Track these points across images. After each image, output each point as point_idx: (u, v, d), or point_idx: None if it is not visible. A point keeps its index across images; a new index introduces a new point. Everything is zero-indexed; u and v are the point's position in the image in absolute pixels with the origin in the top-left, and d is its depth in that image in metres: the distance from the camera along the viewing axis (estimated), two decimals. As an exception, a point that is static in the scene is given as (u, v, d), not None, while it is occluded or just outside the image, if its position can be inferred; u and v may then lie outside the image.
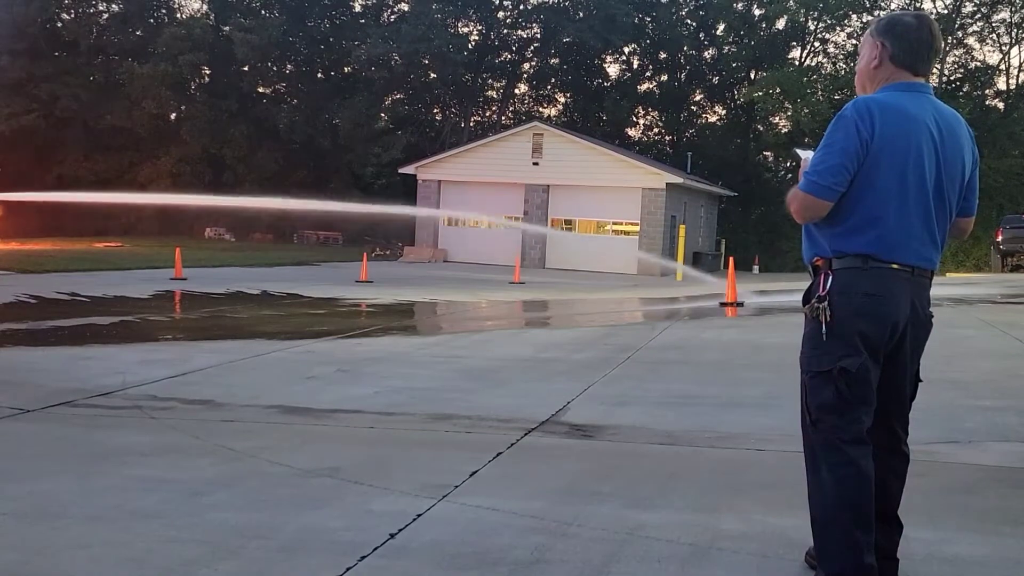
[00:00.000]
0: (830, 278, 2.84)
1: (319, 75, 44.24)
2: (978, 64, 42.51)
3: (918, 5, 40.40)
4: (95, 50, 41.71)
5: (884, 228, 2.79)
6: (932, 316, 2.96)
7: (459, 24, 44.35)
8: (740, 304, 13.86)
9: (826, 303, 2.81)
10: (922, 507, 3.68)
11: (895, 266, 2.81)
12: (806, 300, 2.91)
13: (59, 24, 41.62)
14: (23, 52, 37.84)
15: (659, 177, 28.90)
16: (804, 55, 45.65)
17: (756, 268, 33.77)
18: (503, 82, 48.51)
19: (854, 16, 41.14)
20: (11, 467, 4.31)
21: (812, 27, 45.07)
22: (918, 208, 2.82)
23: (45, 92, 38.02)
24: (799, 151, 3.12)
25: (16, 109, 37.21)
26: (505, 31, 46.11)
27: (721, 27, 46.99)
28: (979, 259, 33.05)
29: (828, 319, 2.80)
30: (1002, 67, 42.41)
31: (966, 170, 2.94)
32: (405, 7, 43.84)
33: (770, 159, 46.69)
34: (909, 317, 2.84)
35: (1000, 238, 28.22)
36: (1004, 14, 40.71)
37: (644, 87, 48.90)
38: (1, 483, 4.03)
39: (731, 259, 16.89)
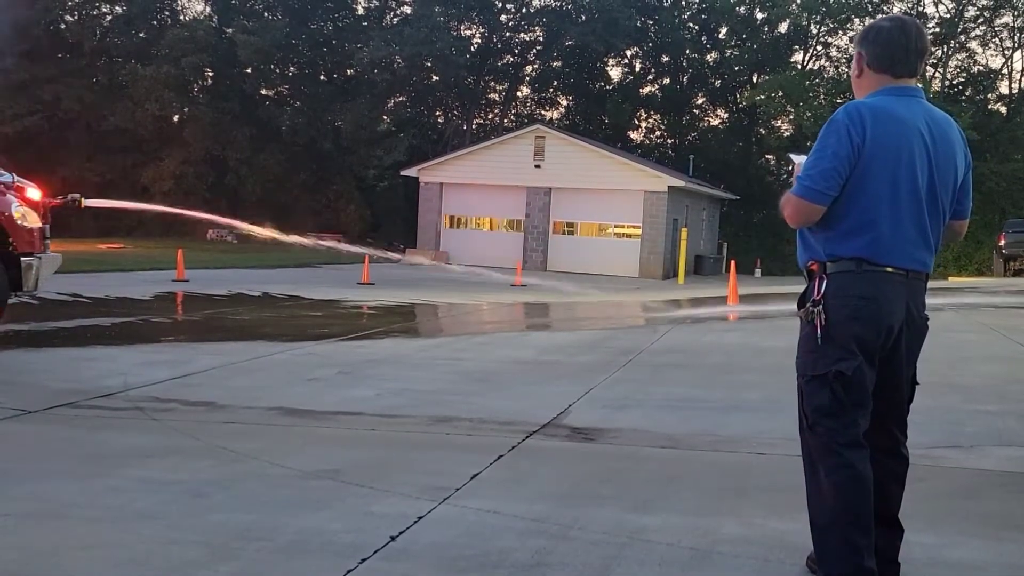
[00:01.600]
0: (824, 282, 2.85)
1: (322, 77, 44.19)
2: (980, 68, 42.51)
3: (920, 9, 40.39)
4: (98, 52, 41.69)
5: (877, 232, 2.80)
6: (927, 319, 2.96)
7: (462, 27, 44.30)
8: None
9: (820, 307, 2.82)
10: (923, 511, 3.68)
11: (889, 269, 2.82)
12: (801, 304, 2.92)
13: (62, 26, 41.62)
14: (26, 54, 37.86)
15: (661, 180, 28.87)
16: (806, 58, 45.59)
17: (758, 271, 33.77)
18: (505, 85, 48.48)
19: (856, 20, 40.99)
20: (13, 468, 4.31)
21: (814, 30, 45.01)
22: (911, 211, 2.83)
23: (48, 94, 38.01)
24: (793, 156, 3.13)
25: (19, 111, 37.21)
26: (507, 34, 46.04)
27: (723, 30, 46.93)
28: (981, 263, 33.03)
29: (823, 323, 2.81)
30: (1004, 71, 42.42)
31: (959, 173, 2.94)
32: (408, 10, 43.79)
33: (772, 162, 46.61)
34: (904, 320, 2.85)
35: (1003, 242, 28.24)
36: (1007, 18, 40.66)
37: (646, 90, 48.84)
38: (3, 484, 4.04)
39: (732, 262, 16.90)
